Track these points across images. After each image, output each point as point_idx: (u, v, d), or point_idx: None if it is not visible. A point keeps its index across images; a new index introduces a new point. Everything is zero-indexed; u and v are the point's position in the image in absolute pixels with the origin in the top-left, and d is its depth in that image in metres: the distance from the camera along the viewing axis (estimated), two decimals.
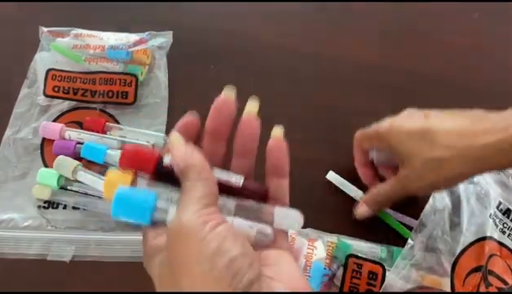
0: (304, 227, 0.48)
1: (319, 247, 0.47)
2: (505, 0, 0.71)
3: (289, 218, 0.35)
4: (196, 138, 0.37)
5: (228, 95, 0.37)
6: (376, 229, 0.53)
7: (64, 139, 0.58)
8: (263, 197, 0.36)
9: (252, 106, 0.37)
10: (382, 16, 0.76)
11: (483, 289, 0.45)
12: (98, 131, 0.58)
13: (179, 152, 0.34)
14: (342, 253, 0.48)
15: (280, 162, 0.37)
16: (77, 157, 0.55)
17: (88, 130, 0.59)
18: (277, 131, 0.37)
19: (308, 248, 0.47)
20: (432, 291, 0.47)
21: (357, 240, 0.50)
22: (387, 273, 0.47)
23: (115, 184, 0.43)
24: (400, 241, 0.51)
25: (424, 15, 0.76)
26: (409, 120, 0.51)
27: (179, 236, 0.30)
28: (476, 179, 0.52)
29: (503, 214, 0.49)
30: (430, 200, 0.50)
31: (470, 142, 0.45)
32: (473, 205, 0.50)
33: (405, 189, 0.50)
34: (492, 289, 0.45)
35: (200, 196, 0.32)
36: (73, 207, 0.54)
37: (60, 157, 0.55)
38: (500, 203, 0.50)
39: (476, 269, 0.47)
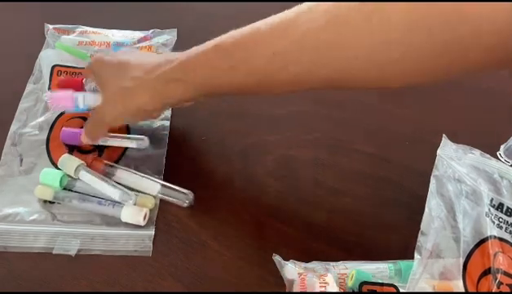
0: (308, 260, 0.49)
1: (330, 283, 0.47)
2: (506, 0, 0.71)
3: None
4: None
5: None
6: (375, 245, 0.53)
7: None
8: None
9: None
10: None
11: (495, 290, 0.45)
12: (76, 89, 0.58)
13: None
14: (356, 281, 0.48)
15: None
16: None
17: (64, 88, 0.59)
18: None
19: (320, 285, 0.47)
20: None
21: (362, 262, 0.50)
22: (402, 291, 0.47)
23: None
24: (403, 252, 0.50)
25: None
26: (116, 54, 0.57)
27: None
28: (463, 178, 0.52)
29: (496, 209, 0.49)
30: (426, 210, 0.51)
31: (149, 75, 0.51)
32: (464, 204, 0.51)
33: (103, 119, 0.55)
34: (503, 288, 0.45)
35: None
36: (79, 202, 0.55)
37: (65, 155, 0.56)
38: (492, 199, 0.50)
39: (486, 272, 0.47)
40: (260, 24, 0.50)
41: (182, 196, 0.54)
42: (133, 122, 0.58)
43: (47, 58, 0.64)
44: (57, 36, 0.67)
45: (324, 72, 0.46)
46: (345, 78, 0.47)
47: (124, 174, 0.56)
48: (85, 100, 0.55)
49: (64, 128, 0.59)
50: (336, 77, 0.47)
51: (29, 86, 0.64)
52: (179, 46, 0.69)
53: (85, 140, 0.57)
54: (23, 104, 0.62)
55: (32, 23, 0.71)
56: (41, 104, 0.62)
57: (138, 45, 0.66)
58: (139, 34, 0.67)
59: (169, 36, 0.68)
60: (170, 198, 0.55)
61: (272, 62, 0.47)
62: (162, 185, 0.55)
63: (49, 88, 0.62)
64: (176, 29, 0.70)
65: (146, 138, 0.57)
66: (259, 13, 0.76)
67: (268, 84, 0.49)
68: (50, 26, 0.67)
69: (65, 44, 0.66)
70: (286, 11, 0.48)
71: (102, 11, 0.75)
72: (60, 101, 0.56)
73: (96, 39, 0.66)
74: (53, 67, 0.63)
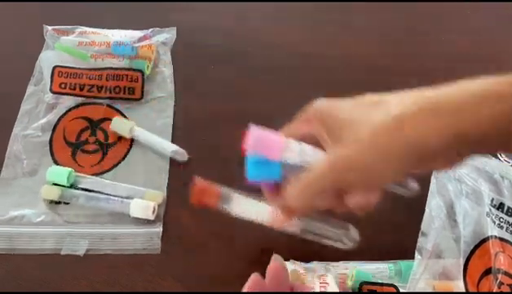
0: (308, 261, 0.50)
1: (331, 283, 0.46)
2: (504, 0, 0.72)
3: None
4: None
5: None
6: (375, 245, 0.52)
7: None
8: None
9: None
10: (382, 16, 0.77)
11: (496, 290, 0.46)
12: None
13: None
14: (356, 281, 0.48)
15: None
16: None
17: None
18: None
19: (321, 286, 0.46)
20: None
21: (362, 263, 0.50)
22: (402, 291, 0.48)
23: None
24: (403, 252, 0.50)
25: (424, 15, 0.77)
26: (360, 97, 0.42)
27: None
28: (463, 178, 0.52)
29: (497, 209, 0.50)
30: (426, 210, 0.51)
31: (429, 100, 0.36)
32: (465, 204, 0.51)
33: (340, 179, 0.36)
34: (504, 288, 0.45)
35: None
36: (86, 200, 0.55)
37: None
38: (492, 199, 0.50)
39: (487, 272, 0.47)
40: None
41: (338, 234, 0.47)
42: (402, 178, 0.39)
43: (47, 59, 0.64)
44: (56, 37, 0.67)
45: None
46: None
47: (241, 201, 0.48)
48: (301, 152, 0.40)
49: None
50: None
51: (30, 88, 0.64)
52: (179, 45, 0.69)
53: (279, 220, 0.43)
54: (24, 107, 0.62)
55: (31, 24, 0.71)
56: (42, 106, 0.62)
57: (138, 44, 0.66)
58: (138, 34, 0.67)
59: (168, 34, 0.69)
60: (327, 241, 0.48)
61: None
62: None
63: (50, 89, 0.62)
64: (176, 28, 0.70)
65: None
66: (259, 13, 0.77)
67: None
68: (49, 27, 0.68)
69: (65, 45, 0.66)
70: None
71: (102, 10, 0.75)
72: (264, 146, 0.41)
73: (96, 39, 0.66)
74: (54, 68, 0.63)
